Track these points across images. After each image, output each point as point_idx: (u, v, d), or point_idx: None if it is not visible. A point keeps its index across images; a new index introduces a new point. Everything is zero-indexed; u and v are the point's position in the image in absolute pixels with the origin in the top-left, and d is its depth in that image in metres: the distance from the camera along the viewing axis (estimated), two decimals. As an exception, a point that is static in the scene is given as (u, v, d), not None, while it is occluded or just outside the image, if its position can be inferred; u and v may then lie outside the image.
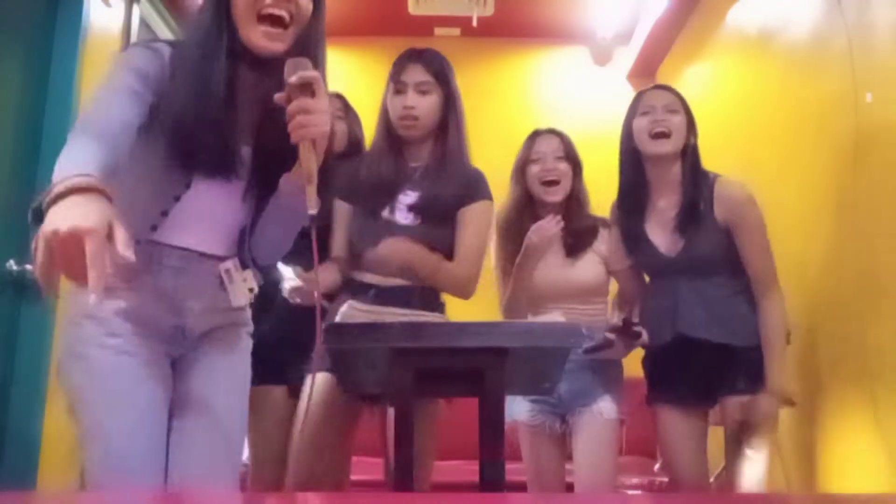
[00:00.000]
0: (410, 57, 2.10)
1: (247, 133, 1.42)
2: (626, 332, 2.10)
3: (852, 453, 2.18)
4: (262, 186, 1.44)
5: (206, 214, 1.41)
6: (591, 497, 2.00)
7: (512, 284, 2.25)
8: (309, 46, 1.40)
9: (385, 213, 2.01)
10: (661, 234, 2.20)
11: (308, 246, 1.31)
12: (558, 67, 4.55)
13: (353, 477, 2.47)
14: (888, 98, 2.04)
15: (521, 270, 2.21)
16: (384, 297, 1.90)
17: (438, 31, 4.45)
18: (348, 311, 1.58)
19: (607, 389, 2.21)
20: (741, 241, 2.13)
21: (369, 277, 1.98)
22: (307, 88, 1.28)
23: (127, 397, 1.31)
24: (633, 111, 2.26)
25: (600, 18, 4.24)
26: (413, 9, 4.10)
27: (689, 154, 2.19)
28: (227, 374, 1.45)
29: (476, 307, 2.25)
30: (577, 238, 2.29)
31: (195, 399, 1.40)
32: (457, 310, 2.08)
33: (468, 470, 2.60)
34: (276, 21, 1.36)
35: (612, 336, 2.10)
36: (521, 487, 2.42)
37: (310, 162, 1.26)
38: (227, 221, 1.45)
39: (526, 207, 2.32)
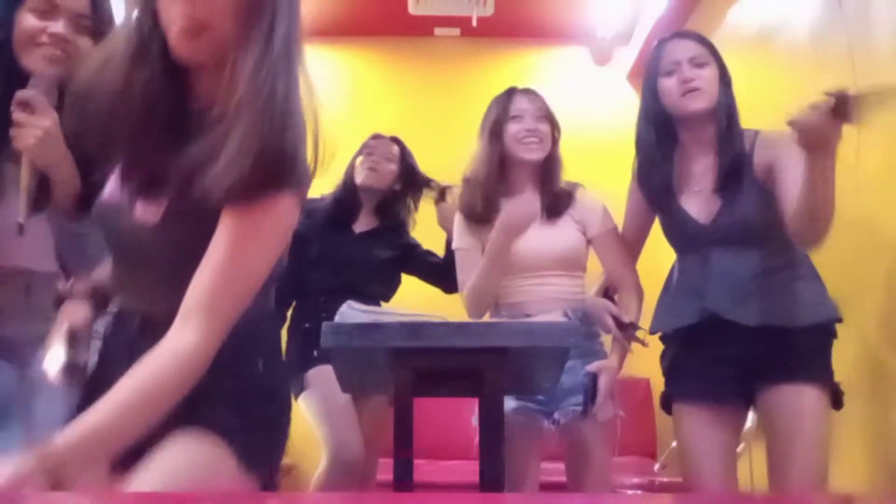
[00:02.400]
0: None
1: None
2: (622, 330, 1.97)
3: (855, 452, 2.18)
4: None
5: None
6: (591, 497, 1.99)
7: (483, 266, 2.04)
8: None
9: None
10: (694, 202, 1.91)
11: None
12: (558, 67, 4.55)
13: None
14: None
15: (495, 249, 2.00)
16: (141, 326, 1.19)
17: (438, 31, 4.45)
18: (347, 311, 1.58)
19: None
20: (781, 174, 1.78)
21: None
22: (27, 105, 1.31)
23: None
24: (655, 68, 1.94)
25: (600, 18, 4.24)
26: (413, 9, 4.10)
27: (726, 113, 1.90)
28: None
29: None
30: (555, 200, 2.14)
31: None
32: (456, 310, 2.08)
33: (468, 470, 2.60)
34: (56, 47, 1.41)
35: (594, 370, 1.95)
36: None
37: (22, 174, 1.31)
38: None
39: (500, 170, 2.14)
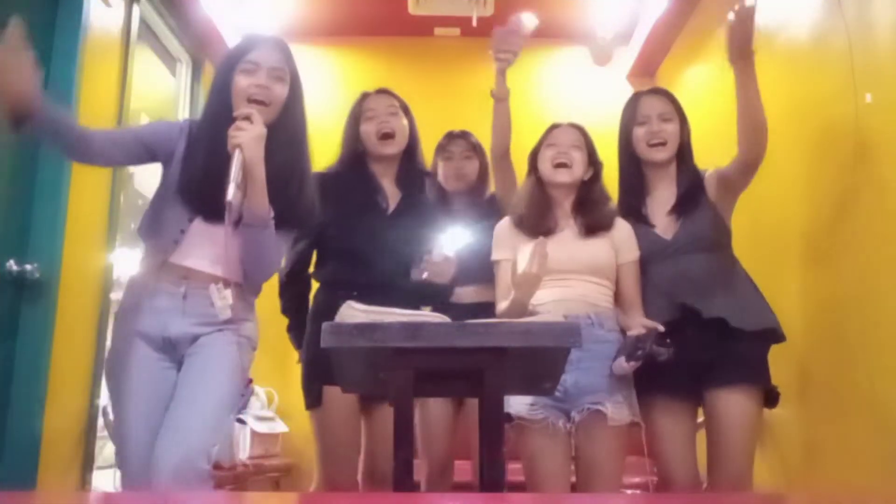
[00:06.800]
0: None
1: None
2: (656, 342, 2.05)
3: (849, 450, 2.18)
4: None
5: (205, 244, 1.80)
6: (591, 497, 2.00)
7: (510, 310, 2.08)
8: (288, 122, 1.89)
9: None
10: (660, 222, 2.29)
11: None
12: (558, 67, 4.54)
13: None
14: (888, 98, 2.04)
15: (517, 302, 2.07)
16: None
17: (438, 31, 4.46)
18: (347, 310, 1.58)
19: (619, 387, 2.06)
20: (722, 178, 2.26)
21: None
22: (247, 119, 1.77)
23: (132, 395, 1.76)
24: (630, 118, 2.35)
25: (600, 18, 4.24)
26: (413, 9, 4.10)
27: (684, 154, 2.32)
28: (205, 364, 1.77)
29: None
30: (592, 221, 2.25)
31: (177, 392, 1.76)
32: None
33: (468, 470, 2.60)
34: (259, 103, 1.84)
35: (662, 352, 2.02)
36: (521, 487, 2.42)
37: (236, 166, 1.69)
38: (219, 250, 1.77)
39: (539, 193, 2.30)
